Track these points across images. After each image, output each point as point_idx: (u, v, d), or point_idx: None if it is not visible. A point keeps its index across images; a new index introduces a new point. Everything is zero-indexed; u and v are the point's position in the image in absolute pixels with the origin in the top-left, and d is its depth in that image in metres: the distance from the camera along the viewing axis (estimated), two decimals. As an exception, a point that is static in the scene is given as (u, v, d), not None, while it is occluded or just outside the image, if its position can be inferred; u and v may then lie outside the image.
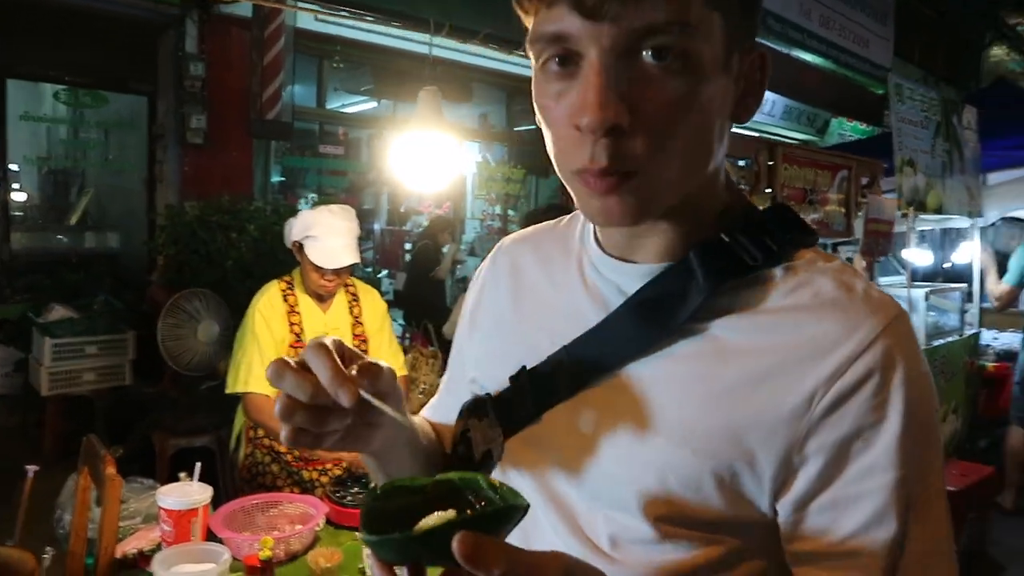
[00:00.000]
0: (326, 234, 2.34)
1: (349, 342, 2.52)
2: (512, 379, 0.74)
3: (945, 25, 10.90)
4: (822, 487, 0.60)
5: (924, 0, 10.25)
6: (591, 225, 0.75)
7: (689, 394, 0.64)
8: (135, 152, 5.66)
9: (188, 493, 1.83)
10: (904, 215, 3.78)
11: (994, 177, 5.04)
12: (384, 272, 7.50)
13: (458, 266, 6.75)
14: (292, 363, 0.58)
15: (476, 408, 0.77)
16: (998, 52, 12.88)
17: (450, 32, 2.52)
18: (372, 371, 0.60)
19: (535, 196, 8.87)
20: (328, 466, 2.45)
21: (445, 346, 4.87)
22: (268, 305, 2.41)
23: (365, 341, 2.51)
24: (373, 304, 2.61)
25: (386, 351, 2.60)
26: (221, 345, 3.65)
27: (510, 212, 8.65)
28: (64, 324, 4.15)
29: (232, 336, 3.67)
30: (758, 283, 0.65)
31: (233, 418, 2.94)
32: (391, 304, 5.01)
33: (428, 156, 2.37)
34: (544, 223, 0.86)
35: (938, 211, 4.03)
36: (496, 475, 0.76)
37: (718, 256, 0.65)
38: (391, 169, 7.25)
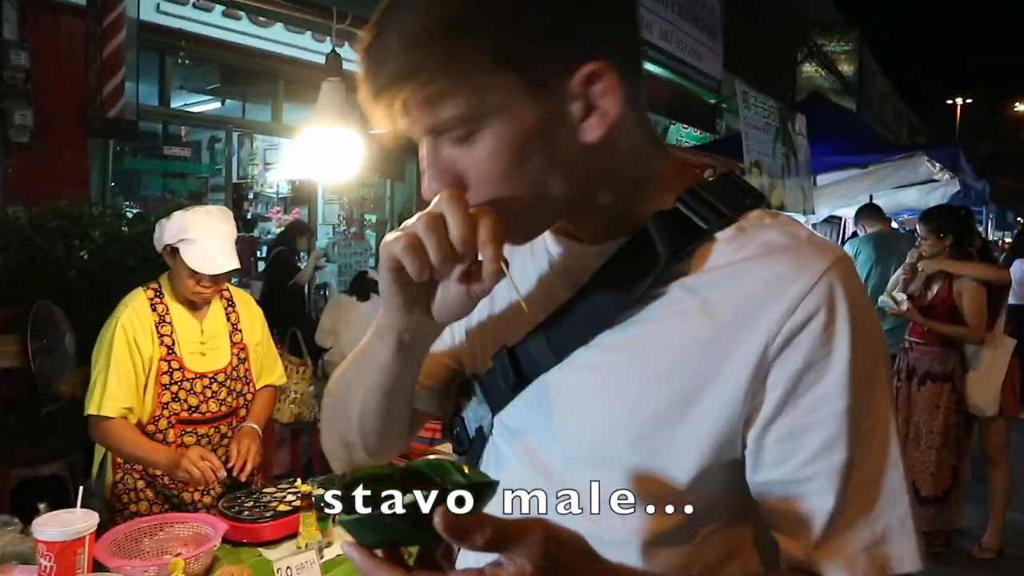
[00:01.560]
0: (204, 238, 2.16)
1: (227, 352, 2.37)
2: (494, 358, 0.79)
3: (764, 43, 11.90)
4: (779, 418, 0.66)
5: (747, 18, 11.13)
6: None
7: (663, 352, 0.68)
8: (-58, 152, 5.01)
9: (70, 522, 1.64)
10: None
11: (822, 179, 5.57)
12: (235, 280, 7.13)
13: (317, 272, 6.53)
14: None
15: (465, 388, 0.84)
16: (809, 69, 14.22)
17: (352, 23, 2.42)
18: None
19: (390, 200, 8.77)
20: (211, 485, 2.28)
21: (315, 354, 4.72)
22: (132, 318, 2.17)
23: (244, 349, 2.36)
24: (250, 310, 2.45)
25: (268, 361, 2.47)
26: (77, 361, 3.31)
27: (366, 216, 8.50)
28: None
29: (78, 353, 3.35)
30: (712, 243, 0.70)
31: (88, 441, 2.68)
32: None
33: (333, 149, 2.26)
34: None
35: (781, 208, 4.39)
36: (489, 450, 0.82)
37: (673, 224, 0.70)
38: (248, 168, 6.86)
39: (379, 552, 0.56)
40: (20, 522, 1.97)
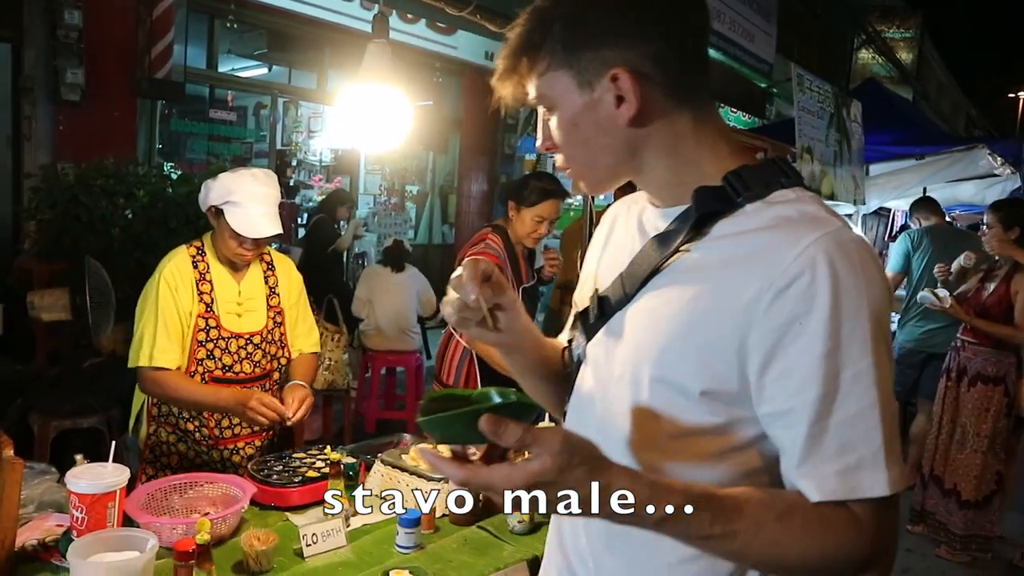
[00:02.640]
0: (248, 201, 2.15)
1: (263, 315, 2.34)
2: (591, 299, 1.02)
3: (819, 27, 11.56)
4: (771, 362, 0.80)
5: (802, 1, 10.82)
6: None
7: (686, 299, 0.86)
8: (-7, 106, 5.09)
9: (101, 475, 1.66)
10: (803, 200, 3.94)
11: (875, 168, 5.39)
12: (276, 245, 7.18)
13: (356, 241, 6.54)
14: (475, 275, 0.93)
15: (573, 323, 1.09)
16: (865, 55, 13.80)
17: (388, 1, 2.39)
18: (498, 287, 0.95)
19: (432, 172, 8.76)
20: (240, 445, 2.29)
21: (350, 323, 4.74)
22: (174, 272, 2.19)
23: (281, 313, 2.35)
24: (289, 275, 2.44)
25: (302, 327, 2.46)
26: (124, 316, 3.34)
27: (407, 187, 8.50)
28: (-83, 295, 3.70)
29: (119, 310, 3.40)
30: (738, 214, 0.87)
31: (125, 395, 2.71)
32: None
33: (378, 113, 2.22)
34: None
35: (830, 197, 4.25)
36: (581, 373, 1.03)
37: (712, 196, 0.88)
38: (293, 134, 6.85)
39: (446, 451, 0.77)
40: (57, 471, 2.01)
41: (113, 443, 1.73)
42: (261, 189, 2.20)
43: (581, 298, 1.08)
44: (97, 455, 1.80)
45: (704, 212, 0.87)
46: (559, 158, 0.95)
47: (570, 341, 1.08)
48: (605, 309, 0.97)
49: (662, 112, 0.89)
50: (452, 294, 0.94)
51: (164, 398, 2.21)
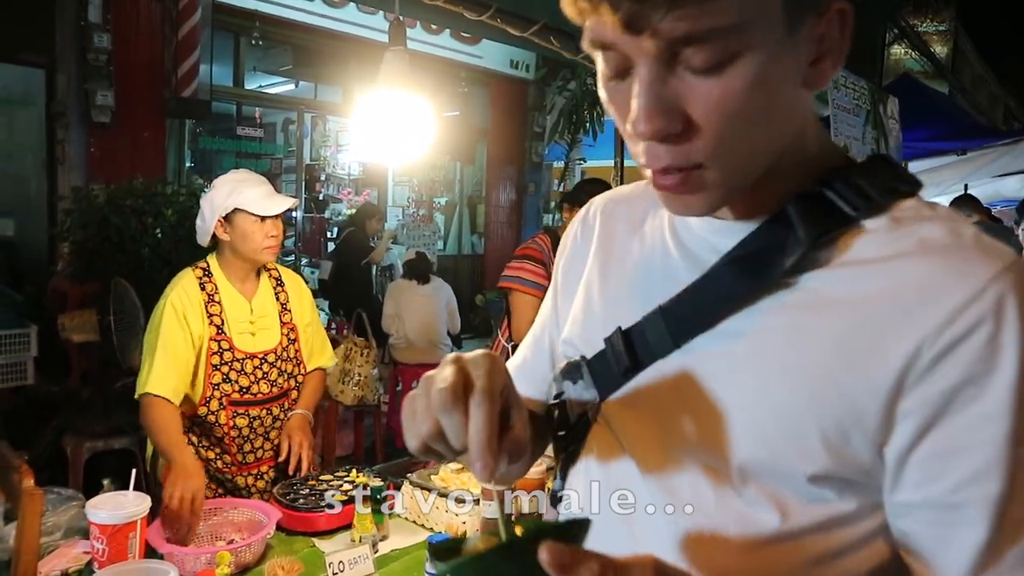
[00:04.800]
0: (250, 187, 2.16)
1: (277, 332, 2.24)
2: (607, 340, 0.73)
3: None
4: (928, 436, 0.58)
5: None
6: None
7: (791, 346, 0.62)
8: (28, 131, 5.17)
9: (123, 504, 1.62)
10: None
11: (914, 166, 5.23)
12: (304, 260, 7.22)
13: (386, 253, 6.55)
14: (459, 397, 0.58)
15: (570, 371, 0.77)
16: (898, 51, 13.51)
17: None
18: (519, 446, 0.62)
19: (460, 182, 8.75)
20: (263, 469, 2.24)
21: (380, 337, 4.71)
22: (183, 296, 2.12)
23: (294, 330, 2.30)
24: (299, 290, 2.39)
25: (317, 343, 2.41)
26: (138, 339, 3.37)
27: (435, 199, 8.49)
28: (-46, 318, 3.75)
29: (149, 329, 3.40)
30: (859, 233, 0.62)
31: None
32: (314, 294, 4.78)
33: (397, 123, 2.17)
34: (634, 185, 0.83)
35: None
36: (593, 436, 0.77)
37: (816, 207, 0.63)
38: (321, 149, 6.88)
39: None
40: (84, 498, 1.98)
41: (134, 472, 1.69)
42: (253, 177, 2.23)
43: (577, 335, 0.79)
44: (127, 478, 1.75)
45: (818, 230, 0.62)
46: (669, 153, 0.58)
47: (559, 394, 0.79)
48: (639, 355, 0.70)
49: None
50: (431, 427, 0.60)
51: (149, 430, 2.08)
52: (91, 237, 3.85)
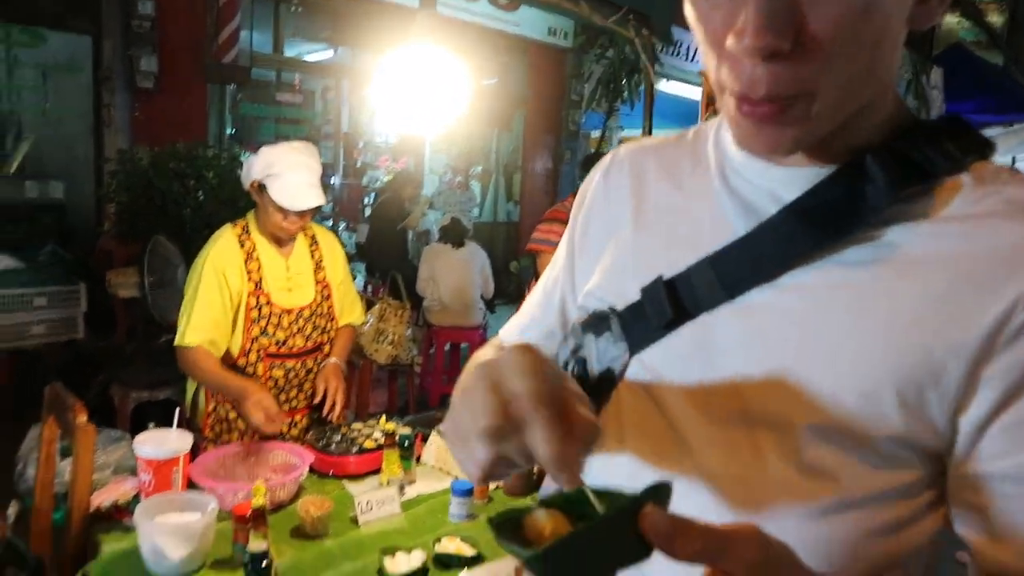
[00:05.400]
0: (290, 172, 2.17)
1: (311, 289, 2.31)
2: (644, 291, 0.68)
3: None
4: (1012, 403, 0.55)
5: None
6: (726, 130, 0.69)
7: (870, 304, 0.58)
8: (76, 97, 5.33)
9: (166, 441, 1.73)
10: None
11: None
12: (343, 225, 7.34)
13: (421, 219, 6.63)
14: (508, 420, 0.50)
15: (594, 324, 0.72)
16: (950, 20, 13.08)
17: None
18: (591, 430, 0.52)
19: (496, 151, 8.77)
20: (297, 418, 2.34)
21: (414, 299, 4.81)
22: (221, 253, 2.21)
23: (327, 287, 2.38)
24: (333, 249, 2.47)
25: (348, 300, 2.49)
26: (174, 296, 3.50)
27: (473, 167, 8.53)
28: (9, 275, 3.92)
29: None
30: (942, 190, 0.59)
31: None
32: (351, 257, 4.87)
33: (427, 86, 2.21)
34: (661, 136, 0.80)
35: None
36: (618, 394, 0.71)
37: (896, 161, 0.59)
38: (359, 116, 6.93)
39: None
40: (132, 438, 2.10)
41: (177, 410, 1.79)
42: (301, 159, 2.21)
43: (604, 286, 0.73)
44: (171, 423, 1.86)
45: (900, 184, 0.58)
46: (773, 76, 0.53)
47: (577, 348, 0.73)
48: (686, 305, 0.65)
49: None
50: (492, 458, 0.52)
51: (190, 375, 2.24)
52: (135, 199, 3.98)
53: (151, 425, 2.04)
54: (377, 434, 2.12)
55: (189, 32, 4.98)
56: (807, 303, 0.60)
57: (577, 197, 0.83)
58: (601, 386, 0.71)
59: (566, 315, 0.82)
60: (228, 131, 6.01)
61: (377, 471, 1.99)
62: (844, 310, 0.59)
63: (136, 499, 1.75)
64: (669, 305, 0.65)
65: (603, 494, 0.47)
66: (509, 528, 0.47)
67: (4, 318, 3.87)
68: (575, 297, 0.80)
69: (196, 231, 3.97)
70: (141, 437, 1.75)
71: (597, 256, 0.76)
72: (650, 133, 3.47)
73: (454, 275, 4.86)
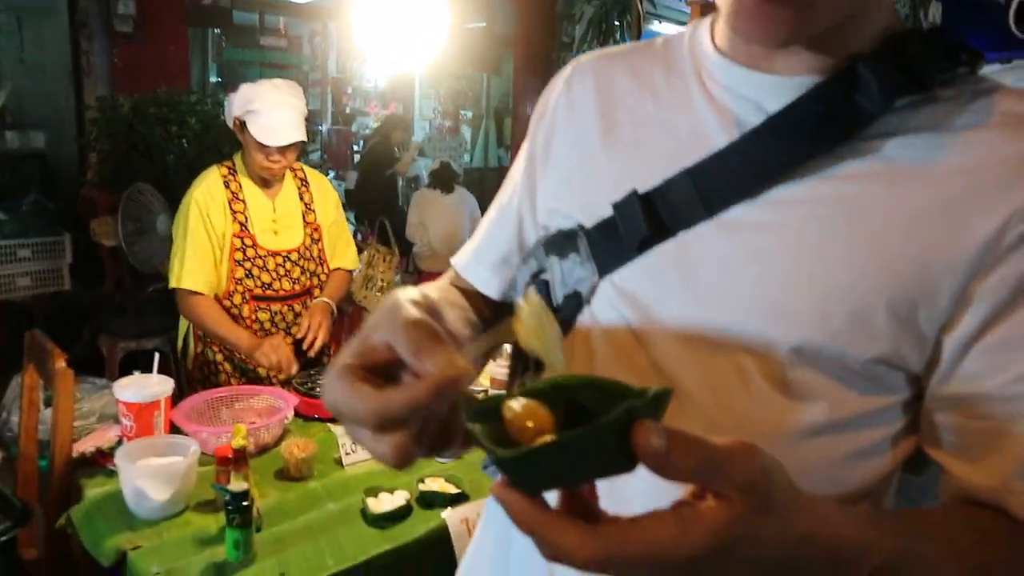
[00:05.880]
0: (269, 108, 2.13)
1: (300, 231, 2.31)
2: (616, 206, 0.63)
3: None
4: (995, 324, 0.54)
5: None
6: (706, 38, 0.66)
7: (861, 219, 0.56)
8: (54, 43, 5.17)
9: (147, 385, 1.72)
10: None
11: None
12: (331, 173, 7.25)
13: (411, 164, 6.55)
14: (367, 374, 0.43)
15: (558, 244, 0.68)
16: (950, -49, 12.78)
17: None
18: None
19: (487, 94, 8.62)
20: (284, 374, 2.33)
21: (404, 246, 4.78)
22: (206, 194, 2.19)
23: (318, 230, 2.35)
24: (324, 191, 2.43)
25: (340, 243, 2.46)
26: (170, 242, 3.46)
27: (462, 111, 8.40)
28: (-8, 227, 3.87)
29: (177, 235, 3.50)
30: (935, 102, 0.57)
31: (185, 317, 2.79)
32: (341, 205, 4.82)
33: (410, 22, 2.14)
34: (628, 45, 0.75)
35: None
36: (584, 318, 0.67)
37: (890, 69, 0.57)
38: (348, 61, 6.78)
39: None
40: (116, 387, 2.10)
41: (157, 355, 1.78)
42: (282, 97, 2.17)
43: (569, 202, 0.69)
44: (161, 372, 1.86)
45: (895, 93, 0.56)
46: None
47: (539, 272, 0.70)
48: (664, 221, 0.61)
49: None
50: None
51: (193, 322, 2.26)
52: (117, 146, 3.90)
53: (135, 372, 2.04)
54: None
55: (167, -27, 4.82)
56: (794, 219, 0.58)
57: (536, 109, 0.78)
58: (565, 311, 0.67)
59: (524, 236, 0.78)
60: (213, 78, 5.88)
61: (362, 413, 1.99)
62: (833, 226, 0.56)
63: (119, 444, 1.74)
64: (644, 221, 0.61)
65: (594, 384, 0.43)
66: (484, 418, 0.42)
67: (-12, 270, 3.83)
68: (535, 217, 0.75)
69: (180, 177, 3.91)
70: (122, 382, 1.74)
71: (561, 172, 0.72)
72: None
73: (444, 221, 4.82)
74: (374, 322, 0.45)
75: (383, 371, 0.44)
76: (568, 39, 8.67)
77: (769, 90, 0.60)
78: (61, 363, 1.71)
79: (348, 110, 7.92)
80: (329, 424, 1.96)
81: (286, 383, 2.16)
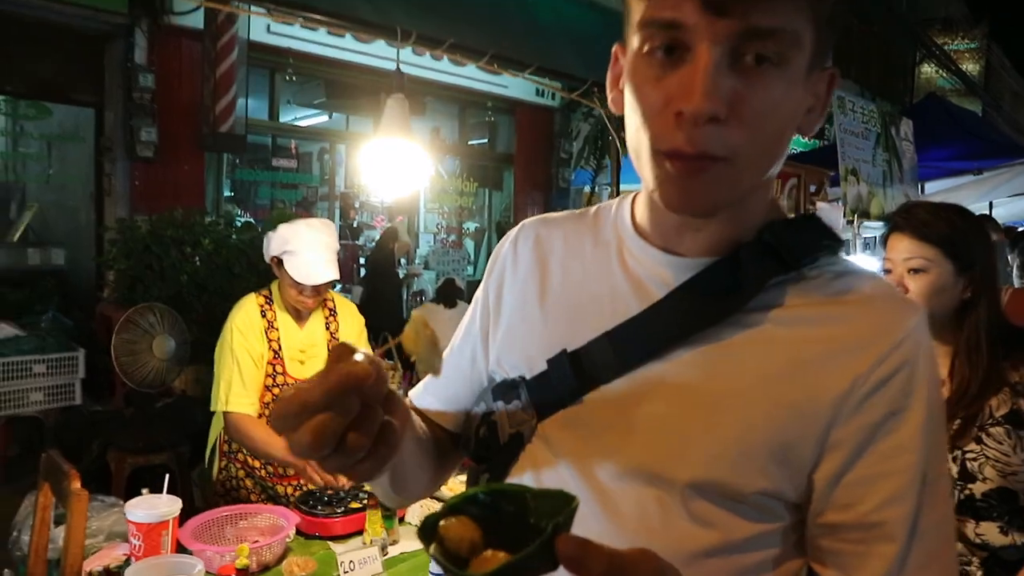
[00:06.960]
0: (305, 249, 2.30)
1: (323, 359, 2.48)
2: (551, 362, 0.76)
3: (878, 43, 11.35)
4: (854, 463, 0.66)
5: (858, 17, 10.66)
6: (627, 215, 0.80)
7: (747, 376, 0.68)
8: (79, 166, 5.51)
9: (156, 505, 1.80)
10: (849, 222, 3.93)
11: (931, 186, 5.27)
12: (338, 287, 7.45)
13: (414, 279, 6.75)
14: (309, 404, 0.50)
15: (504, 390, 0.81)
16: (928, 70, 13.45)
17: (416, 41, 2.57)
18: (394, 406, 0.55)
19: (488, 209, 8.93)
20: (302, 481, 2.42)
21: (406, 360, 4.89)
22: (245, 320, 2.36)
23: None
24: (351, 319, 2.58)
25: None
26: (176, 361, 3.58)
27: (465, 225, 8.69)
28: (10, 343, 4.01)
29: (188, 352, 3.63)
30: (800, 280, 0.71)
31: (196, 432, 2.88)
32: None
33: (394, 164, 2.38)
34: (566, 212, 0.89)
35: (881, 218, 4.18)
36: (526, 457, 0.78)
37: (766, 254, 0.70)
38: (355, 178, 7.12)
39: None
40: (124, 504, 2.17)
41: (167, 476, 1.87)
42: (316, 236, 2.34)
43: (513, 355, 0.81)
44: (170, 490, 1.94)
45: (768, 274, 0.70)
46: (706, 137, 0.61)
47: (488, 413, 0.82)
48: (589, 377, 0.74)
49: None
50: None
51: (241, 443, 2.36)
52: (134, 266, 4.10)
53: (144, 491, 2.12)
54: (362, 494, 2.19)
55: (188, 103, 5.16)
56: (692, 375, 0.70)
57: (489, 263, 0.90)
58: (510, 447, 0.79)
59: (477, 373, 0.89)
60: (226, 192, 6.17)
61: (362, 531, 2.06)
62: (725, 381, 0.69)
63: (127, 563, 1.81)
64: (573, 376, 0.74)
65: (502, 493, 0.54)
66: (431, 537, 0.53)
67: (5, 385, 3.94)
68: (487, 361, 0.87)
69: (193, 297, 4.09)
70: (133, 502, 1.82)
71: (507, 326, 0.84)
72: (617, 188, 3.61)
73: (446, 335, 4.93)
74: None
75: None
76: (566, 155, 9.08)
77: (675, 268, 0.73)
78: (76, 484, 1.80)
79: (356, 224, 8.20)
80: (329, 542, 2.02)
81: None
